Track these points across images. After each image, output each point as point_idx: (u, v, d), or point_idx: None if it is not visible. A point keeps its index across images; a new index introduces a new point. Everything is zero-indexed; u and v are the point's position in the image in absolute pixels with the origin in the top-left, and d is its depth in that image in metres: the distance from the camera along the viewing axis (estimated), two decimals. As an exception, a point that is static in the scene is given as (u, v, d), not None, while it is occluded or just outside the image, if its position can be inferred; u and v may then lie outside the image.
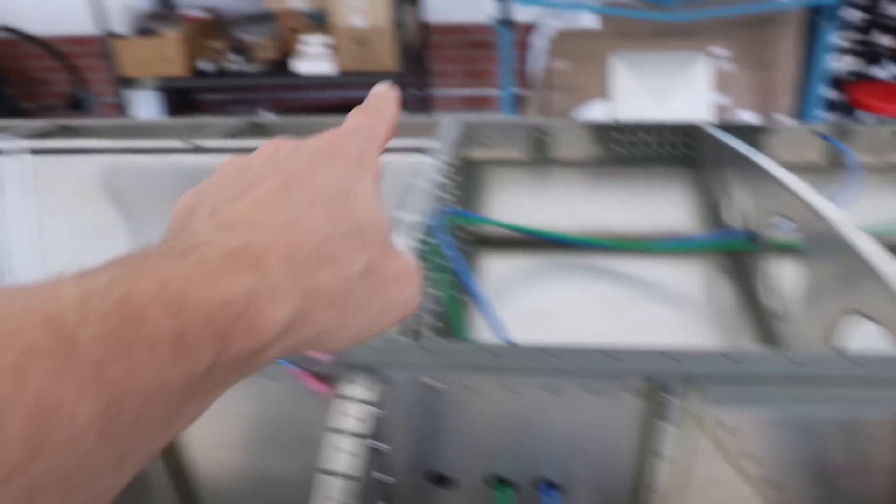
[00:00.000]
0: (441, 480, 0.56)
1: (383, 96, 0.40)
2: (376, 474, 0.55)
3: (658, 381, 0.48)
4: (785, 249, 0.85)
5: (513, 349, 0.50)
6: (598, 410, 0.50)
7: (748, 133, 1.09)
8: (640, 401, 0.49)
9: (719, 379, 0.48)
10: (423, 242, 0.70)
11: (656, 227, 1.04)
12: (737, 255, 0.98)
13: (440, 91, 3.64)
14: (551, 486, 0.55)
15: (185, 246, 0.29)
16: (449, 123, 1.07)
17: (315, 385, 0.49)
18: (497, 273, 0.97)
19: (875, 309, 0.62)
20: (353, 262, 0.32)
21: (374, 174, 0.36)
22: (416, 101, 3.40)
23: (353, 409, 0.47)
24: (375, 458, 0.54)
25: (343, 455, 0.44)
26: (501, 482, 0.55)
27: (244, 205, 0.31)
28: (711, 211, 1.06)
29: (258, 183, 0.32)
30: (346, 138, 0.36)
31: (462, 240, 0.99)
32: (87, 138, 1.30)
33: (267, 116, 1.28)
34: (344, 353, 0.50)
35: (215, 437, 0.57)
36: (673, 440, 0.50)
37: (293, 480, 0.55)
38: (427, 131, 1.11)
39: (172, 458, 0.58)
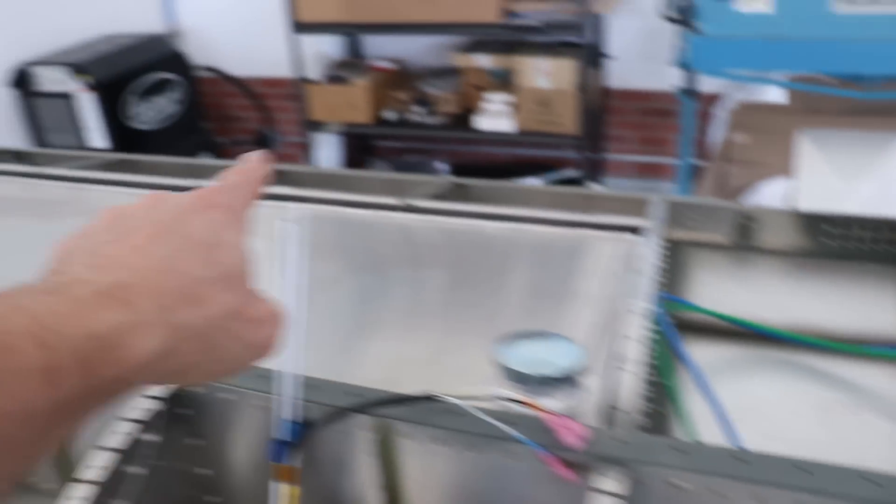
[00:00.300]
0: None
1: (256, 160, 0.45)
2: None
3: (924, 515, 0.46)
4: None
5: (764, 459, 0.50)
6: (850, 534, 0.48)
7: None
8: (900, 532, 0.47)
9: None
10: (652, 331, 0.71)
11: (869, 330, 0.99)
12: (963, 369, 0.93)
13: (614, 156, 3.64)
14: None
15: (62, 282, 0.32)
16: (657, 202, 1.08)
17: (563, 471, 0.50)
18: (700, 361, 0.96)
19: None
20: (218, 303, 0.36)
21: (241, 226, 0.40)
22: (590, 164, 3.40)
23: (604, 502, 0.48)
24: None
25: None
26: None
27: (120, 249, 0.35)
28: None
29: (135, 230, 0.36)
30: (217, 194, 0.40)
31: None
32: (300, 187, 1.39)
33: (470, 180, 1.32)
34: (594, 444, 0.51)
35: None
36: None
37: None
38: (633, 208, 1.12)
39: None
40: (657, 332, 0.74)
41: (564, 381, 0.57)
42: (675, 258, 1.13)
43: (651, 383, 0.70)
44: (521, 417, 0.54)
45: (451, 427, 0.54)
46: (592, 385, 0.61)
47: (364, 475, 0.60)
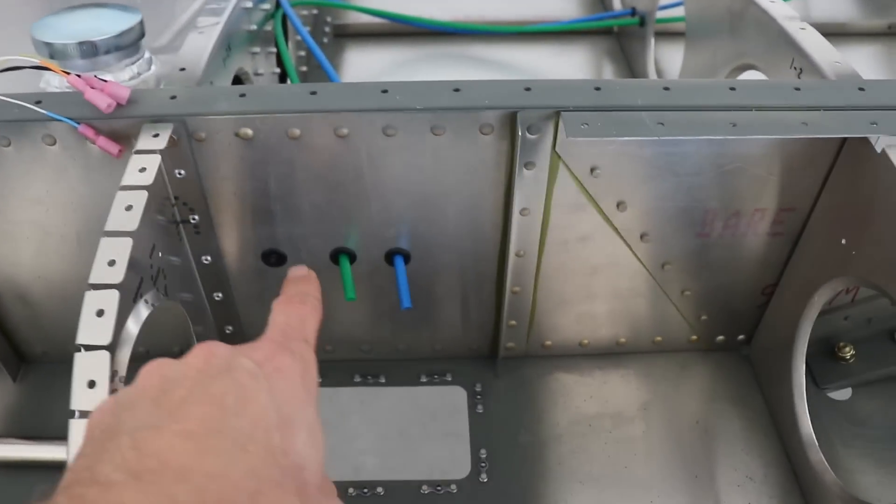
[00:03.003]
0: (280, 259, 0.49)
1: (303, 278, 0.38)
2: (206, 259, 0.48)
3: (513, 116, 0.41)
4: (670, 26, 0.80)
5: (340, 86, 0.43)
6: (446, 154, 0.43)
7: None
8: (490, 138, 0.42)
9: (584, 110, 0.41)
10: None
11: (531, 15, 0.95)
12: (623, 38, 0.92)
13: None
14: (402, 255, 0.48)
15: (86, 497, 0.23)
16: None
17: (102, 143, 0.40)
18: (362, 67, 0.88)
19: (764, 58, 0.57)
20: None
21: (315, 392, 0.31)
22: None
23: (147, 162, 0.39)
24: (202, 241, 0.46)
25: (133, 213, 0.36)
26: (346, 255, 0.48)
27: (170, 440, 0.25)
28: (598, 0, 1.00)
29: (187, 408, 0.26)
30: (283, 350, 0.31)
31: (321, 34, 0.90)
32: None
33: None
34: (137, 105, 0.41)
35: (3, 229, 0.48)
36: (532, 184, 0.44)
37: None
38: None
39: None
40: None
41: (116, 51, 0.46)
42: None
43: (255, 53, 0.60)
44: (55, 95, 0.43)
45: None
46: (170, 57, 0.50)
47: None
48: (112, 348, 0.32)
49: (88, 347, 0.32)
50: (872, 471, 0.50)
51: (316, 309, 0.37)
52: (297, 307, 0.36)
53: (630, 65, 0.88)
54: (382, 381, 0.55)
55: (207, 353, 0.29)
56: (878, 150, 0.40)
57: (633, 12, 0.85)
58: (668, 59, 0.85)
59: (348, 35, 0.93)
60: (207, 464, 0.25)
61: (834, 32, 0.54)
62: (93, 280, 0.33)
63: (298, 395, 0.30)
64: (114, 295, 0.33)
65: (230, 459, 0.25)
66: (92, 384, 0.31)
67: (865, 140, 0.41)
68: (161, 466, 0.24)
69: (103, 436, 0.26)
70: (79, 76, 0.41)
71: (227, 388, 0.27)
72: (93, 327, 0.32)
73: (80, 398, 0.31)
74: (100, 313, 0.32)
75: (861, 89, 0.44)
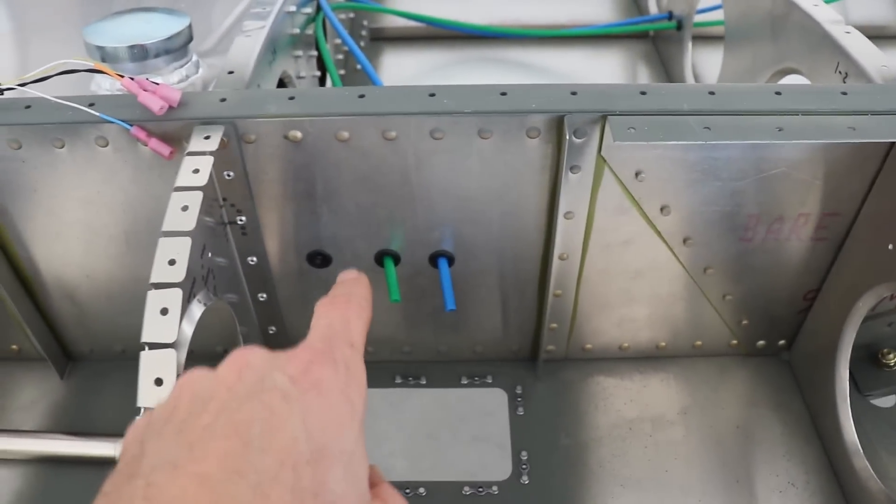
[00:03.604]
0: (325, 261, 0.49)
1: (352, 280, 0.36)
2: (252, 260, 0.49)
3: (559, 120, 0.41)
4: (708, 30, 0.80)
5: (388, 90, 0.43)
6: (492, 157, 0.43)
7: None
8: (536, 142, 0.42)
9: (630, 114, 0.41)
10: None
11: (574, 21, 0.95)
12: (659, 42, 0.91)
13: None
14: (446, 257, 0.49)
15: None
16: None
17: (154, 145, 0.41)
18: (398, 70, 0.89)
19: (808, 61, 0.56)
20: None
21: (361, 406, 0.28)
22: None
23: (200, 164, 0.39)
24: (248, 242, 0.47)
25: (189, 213, 0.37)
26: (391, 257, 0.49)
27: (184, 486, 0.22)
28: (633, 3, 0.99)
29: (208, 442, 0.24)
30: (324, 360, 0.28)
31: (358, 37, 0.91)
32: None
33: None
34: (187, 107, 0.42)
35: (55, 230, 0.49)
36: (576, 188, 0.44)
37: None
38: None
39: (13, 261, 0.51)
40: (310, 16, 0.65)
41: (165, 54, 0.47)
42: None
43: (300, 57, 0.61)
44: (108, 98, 0.44)
45: (23, 122, 0.43)
46: (215, 61, 0.51)
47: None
48: (177, 346, 0.32)
49: (153, 346, 0.32)
50: (918, 479, 0.50)
51: (362, 308, 0.33)
52: (341, 307, 0.33)
53: (667, 69, 0.88)
54: (423, 382, 0.56)
55: (242, 365, 0.27)
56: (929, 155, 0.40)
57: (671, 16, 0.85)
58: (706, 63, 0.85)
59: (384, 38, 0.93)
60: None
61: (873, 35, 0.54)
62: (154, 279, 0.34)
63: (336, 418, 0.27)
64: (177, 293, 0.33)
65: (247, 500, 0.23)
66: (159, 382, 0.31)
67: (915, 145, 0.41)
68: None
69: (125, 470, 0.24)
70: (132, 79, 0.42)
71: (255, 415, 0.25)
72: (157, 325, 0.33)
73: (147, 395, 0.31)
74: (164, 311, 0.33)
75: (910, 93, 0.44)
